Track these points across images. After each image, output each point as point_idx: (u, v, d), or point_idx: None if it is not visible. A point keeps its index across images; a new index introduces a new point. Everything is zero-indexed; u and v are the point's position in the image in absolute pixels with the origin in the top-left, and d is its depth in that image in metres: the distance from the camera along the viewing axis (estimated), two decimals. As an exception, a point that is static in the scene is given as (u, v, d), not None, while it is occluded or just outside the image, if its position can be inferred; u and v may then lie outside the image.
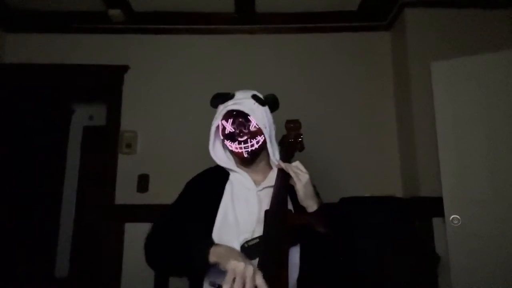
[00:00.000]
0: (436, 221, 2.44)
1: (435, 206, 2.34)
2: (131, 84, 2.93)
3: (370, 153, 2.83)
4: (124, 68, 2.93)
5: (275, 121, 1.29)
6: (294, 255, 1.10)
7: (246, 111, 1.18)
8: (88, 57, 2.94)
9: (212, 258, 0.94)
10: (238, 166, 1.26)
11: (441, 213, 2.32)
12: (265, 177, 1.25)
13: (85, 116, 4.42)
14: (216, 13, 2.93)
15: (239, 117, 1.20)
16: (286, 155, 1.21)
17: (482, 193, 2.24)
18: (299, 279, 1.10)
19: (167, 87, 2.93)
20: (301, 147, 1.27)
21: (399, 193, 2.74)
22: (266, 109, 1.24)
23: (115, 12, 2.79)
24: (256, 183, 1.23)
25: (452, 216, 2.27)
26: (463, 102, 2.36)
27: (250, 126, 1.20)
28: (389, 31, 3.00)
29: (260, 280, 0.85)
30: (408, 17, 2.70)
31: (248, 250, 1.05)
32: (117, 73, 2.93)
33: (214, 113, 1.31)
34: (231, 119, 1.21)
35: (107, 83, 3.00)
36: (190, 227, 1.11)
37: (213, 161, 1.33)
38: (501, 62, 2.31)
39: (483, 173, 2.26)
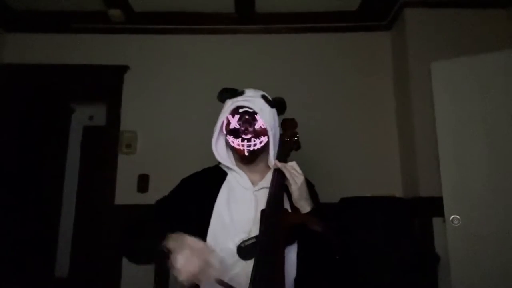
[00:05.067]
0: (436, 221, 2.44)
1: (435, 206, 2.34)
2: (131, 84, 2.93)
3: (370, 153, 2.83)
4: (124, 68, 2.93)
5: (272, 120, 1.28)
6: (291, 254, 1.09)
7: (256, 109, 1.18)
8: (88, 57, 2.95)
9: (169, 242, 0.91)
10: (236, 165, 1.26)
11: (441, 213, 2.32)
12: (262, 177, 1.24)
13: (85, 116, 4.42)
14: (216, 13, 2.93)
15: (246, 115, 1.19)
16: (282, 154, 1.21)
17: (482, 193, 2.24)
18: (297, 279, 1.10)
19: (167, 87, 2.94)
20: (297, 146, 1.27)
21: (399, 193, 2.74)
22: (274, 111, 1.24)
23: (115, 12, 2.80)
24: (254, 183, 1.22)
25: (452, 216, 2.27)
26: (463, 102, 2.36)
27: (256, 125, 1.19)
28: (389, 31, 2.99)
29: (213, 259, 0.86)
30: (408, 17, 2.70)
31: (245, 250, 1.05)
32: (117, 73, 2.93)
33: (214, 112, 1.30)
34: (238, 116, 1.20)
35: (107, 83, 3.00)
36: (175, 224, 1.11)
37: (213, 161, 1.33)
38: (501, 62, 2.30)
39: (483, 173, 2.26)
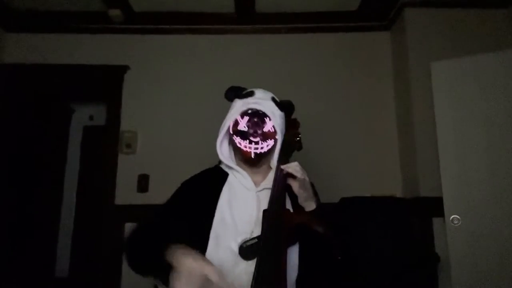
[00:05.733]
0: (436, 221, 2.44)
1: (435, 206, 2.34)
2: (131, 84, 2.93)
3: (370, 153, 2.83)
4: (124, 68, 2.93)
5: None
6: (293, 255, 1.09)
7: (268, 113, 1.18)
8: (88, 57, 2.94)
9: (169, 257, 0.90)
10: (238, 165, 1.25)
11: (441, 213, 2.32)
12: (264, 178, 1.24)
13: (85, 116, 4.42)
14: (216, 13, 2.93)
15: (255, 117, 1.19)
16: (284, 155, 1.21)
17: (482, 193, 2.24)
18: (298, 279, 1.10)
19: (167, 87, 2.94)
20: (299, 146, 1.27)
21: (399, 193, 2.74)
22: (282, 114, 1.24)
23: (115, 12, 2.79)
24: (256, 183, 1.22)
25: (452, 216, 2.27)
26: (463, 102, 2.36)
27: (265, 128, 1.19)
28: (389, 31, 3.00)
29: (210, 271, 0.83)
30: (408, 17, 2.70)
31: (246, 250, 1.05)
32: (117, 73, 2.93)
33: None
34: (247, 117, 1.19)
35: (107, 83, 3.00)
36: (178, 229, 1.10)
37: (213, 161, 1.33)
38: (501, 62, 2.31)
39: (483, 173, 2.26)
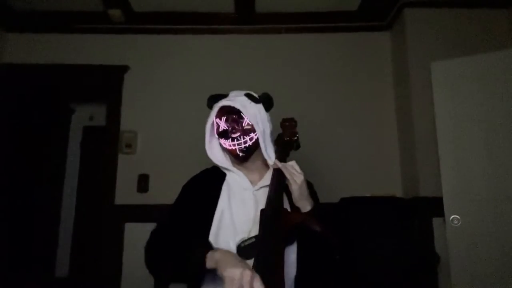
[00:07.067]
0: (436, 221, 2.43)
1: (435, 206, 2.34)
2: (131, 84, 2.93)
3: (370, 153, 2.83)
4: (124, 68, 2.93)
5: (272, 121, 1.28)
6: (291, 254, 1.09)
7: (237, 106, 1.19)
8: (88, 57, 2.95)
9: (209, 263, 0.91)
10: (234, 166, 1.26)
11: (441, 213, 2.31)
12: (261, 176, 1.25)
13: (85, 116, 4.42)
14: (216, 13, 2.93)
15: (232, 114, 1.21)
16: (282, 154, 1.21)
17: (482, 193, 2.24)
18: (296, 278, 1.09)
19: (167, 87, 2.94)
20: (297, 146, 1.28)
21: (399, 193, 2.74)
22: (259, 106, 1.24)
23: (115, 12, 2.79)
24: (253, 182, 1.22)
25: (452, 216, 2.27)
26: (463, 102, 2.36)
27: (243, 123, 1.20)
28: (389, 31, 2.99)
29: (258, 284, 0.83)
30: (408, 17, 2.70)
31: (244, 250, 1.05)
32: (117, 73, 2.93)
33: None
34: (225, 117, 1.22)
35: (107, 83, 3.00)
36: (188, 232, 1.10)
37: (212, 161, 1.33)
38: (501, 62, 2.30)
39: (483, 173, 2.26)
